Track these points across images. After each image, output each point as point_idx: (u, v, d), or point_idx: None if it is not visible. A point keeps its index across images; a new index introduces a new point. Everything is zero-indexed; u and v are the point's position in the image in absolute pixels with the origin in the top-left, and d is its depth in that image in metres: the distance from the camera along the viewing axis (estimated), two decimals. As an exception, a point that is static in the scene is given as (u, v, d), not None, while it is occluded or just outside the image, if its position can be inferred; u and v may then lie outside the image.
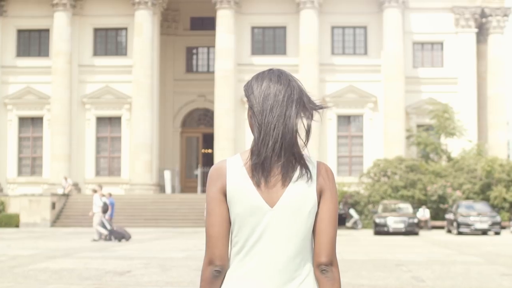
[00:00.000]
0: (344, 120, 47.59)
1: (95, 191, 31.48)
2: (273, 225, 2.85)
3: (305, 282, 2.87)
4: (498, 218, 34.96)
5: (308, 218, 2.87)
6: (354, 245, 26.83)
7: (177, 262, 18.61)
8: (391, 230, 34.96)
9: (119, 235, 29.09)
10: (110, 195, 33.80)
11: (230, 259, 2.90)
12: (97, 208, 30.28)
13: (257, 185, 2.84)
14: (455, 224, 35.33)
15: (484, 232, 35.07)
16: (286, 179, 2.85)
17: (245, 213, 2.85)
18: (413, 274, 15.83)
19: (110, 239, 29.16)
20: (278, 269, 2.84)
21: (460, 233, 34.85)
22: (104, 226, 29.57)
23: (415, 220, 35.35)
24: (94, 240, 28.97)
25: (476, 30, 48.47)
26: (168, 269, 16.82)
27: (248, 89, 2.94)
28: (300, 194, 2.86)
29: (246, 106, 3.12)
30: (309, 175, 2.87)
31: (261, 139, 2.85)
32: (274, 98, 2.86)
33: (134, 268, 17.06)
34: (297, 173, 2.87)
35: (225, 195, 2.86)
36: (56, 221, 43.20)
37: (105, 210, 30.16)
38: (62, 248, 24.12)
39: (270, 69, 2.99)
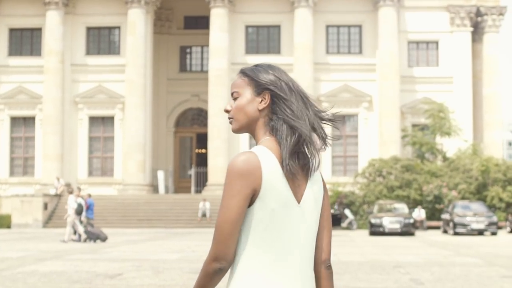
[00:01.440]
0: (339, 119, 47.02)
1: (70, 192, 31.13)
2: (300, 222, 2.84)
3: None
4: (494, 218, 34.61)
5: (319, 214, 2.91)
6: (350, 246, 26.42)
7: (169, 264, 18.16)
8: (386, 230, 34.54)
9: (94, 236, 28.64)
10: (89, 196, 33.47)
11: (249, 257, 2.79)
12: (71, 209, 29.81)
13: (290, 180, 2.79)
14: (451, 224, 34.96)
15: (480, 232, 34.70)
16: (307, 173, 2.85)
17: (278, 209, 2.77)
18: (411, 277, 15.41)
19: (79, 240, 28.83)
20: (307, 272, 2.87)
21: (456, 234, 34.46)
22: (77, 228, 29.18)
23: (411, 221, 34.96)
24: (63, 241, 28.56)
25: (471, 29, 48.16)
26: (160, 271, 16.37)
27: (276, 81, 2.88)
28: (318, 188, 2.88)
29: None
30: (318, 167, 2.88)
31: (296, 139, 2.81)
32: (302, 94, 2.90)
33: (125, 270, 16.60)
34: (313, 166, 2.85)
35: (254, 191, 2.73)
36: (48, 221, 42.75)
37: (79, 211, 29.67)
38: (52, 250, 23.65)
39: (266, 63, 2.96)
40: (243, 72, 2.93)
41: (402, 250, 23.78)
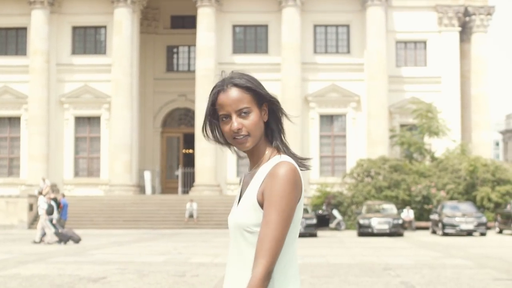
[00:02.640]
0: (327, 119, 46.86)
1: (40, 193, 30.75)
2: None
3: None
4: (483, 219, 34.30)
5: None
6: (339, 247, 26.08)
7: (155, 267, 17.75)
8: (375, 231, 34.20)
9: (65, 238, 28.18)
10: (63, 196, 33.11)
11: (293, 266, 2.85)
12: (41, 210, 29.37)
13: None
14: (440, 225, 34.64)
15: (469, 233, 34.39)
16: None
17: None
18: (402, 279, 15.07)
19: (39, 242, 28.46)
20: None
21: (445, 234, 34.16)
22: (47, 228, 28.77)
23: (400, 221, 34.62)
24: (35, 242, 28.16)
25: (459, 29, 47.94)
26: (145, 274, 15.97)
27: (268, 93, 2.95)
28: None
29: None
30: None
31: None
32: None
33: (109, 274, 16.18)
34: None
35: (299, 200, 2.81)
36: (33, 223, 42.14)
37: (49, 212, 29.22)
38: (36, 252, 23.21)
39: (246, 74, 2.95)
40: (246, 87, 2.86)
41: (391, 252, 23.45)
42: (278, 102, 2.93)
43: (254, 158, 2.94)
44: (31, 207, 42.39)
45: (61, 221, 31.91)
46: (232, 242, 2.90)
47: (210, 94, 2.97)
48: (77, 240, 28.10)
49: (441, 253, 22.77)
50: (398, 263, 18.87)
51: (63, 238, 28.21)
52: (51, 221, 29.05)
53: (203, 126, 3.03)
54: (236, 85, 2.86)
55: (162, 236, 34.28)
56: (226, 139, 2.95)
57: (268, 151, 2.90)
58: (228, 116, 2.86)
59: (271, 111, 2.92)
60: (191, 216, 41.36)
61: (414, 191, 40.48)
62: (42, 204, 29.41)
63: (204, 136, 3.03)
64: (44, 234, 28.93)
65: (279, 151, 2.91)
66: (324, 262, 18.77)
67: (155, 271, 16.59)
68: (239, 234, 2.83)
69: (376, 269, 17.30)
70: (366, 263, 18.79)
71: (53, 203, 29.91)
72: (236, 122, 2.82)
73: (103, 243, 27.85)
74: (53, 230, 28.66)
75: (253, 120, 2.83)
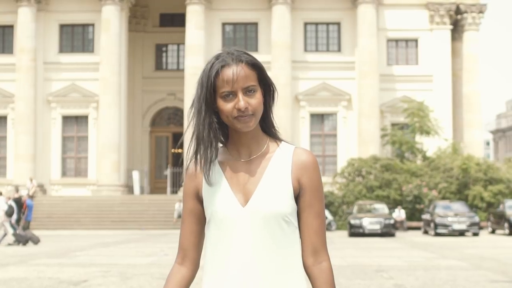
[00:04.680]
0: (317, 118, 46.24)
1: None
2: None
3: None
4: (476, 219, 33.69)
5: None
6: (329, 248, 25.35)
7: (139, 269, 17.09)
8: (366, 231, 33.57)
9: (23, 239, 27.45)
10: (29, 196, 32.47)
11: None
12: (1, 211, 28.64)
13: None
14: (432, 225, 34.04)
15: (461, 233, 33.79)
16: None
17: None
18: (395, 282, 14.45)
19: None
20: None
21: (437, 234, 33.57)
22: (6, 229, 28.09)
23: (391, 221, 33.97)
24: None
25: (451, 27, 47.39)
26: (128, 277, 15.30)
27: None
28: None
29: None
30: None
31: None
32: None
33: (91, 277, 15.51)
34: None
35: None
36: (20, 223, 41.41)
37: (9, 213, 28.49)
38: (18, 253, 22.49)
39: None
40: (253, 64, 2.63)
41: (383, 253, 22.82)
42: (275, 87, 2.73)
43: (252, 143, 2.70)
44: (17, 208, 41.59)
45: (26, 222, 31.26)
46: (256, 233, 2.60)
47: (207, 71, 2.64)
48: (36, 242, 27.41)
49: (435, 254, 22.15)
50: (391, 264, 18.25)
51: (20, 240, 27.47)
52: (10, 222, 28.30)
53: (196, 148, 2.79)
54: (242, 61, 2.61)
55: (149, 236, 33.61)
56: (219, 130, 2.73)
57: (265, 137, 2.74)
58: (232, 94, 2.59)
59: (265, 96, 2.71)
60: (179, 216, 40.66)
61: (405, 191, 39.89)
62: (2, 205, 28.68)
63: (197, 162, 2.77)
64: (5, 235, 28.24)
65: (277, 137, 2.78)
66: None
67: (139, 274, 15.93)
68: (275, 223, 2.59)
69: (368, 271, 16.69)
70: (358, 265, 18.16)
71: (13, 203, 29.20)
72: (243, 100, 2.58)
73: (88, 244, 27.14)
74: (11, 231, 27.91)
75: (258, 99, 2.62)
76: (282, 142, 2.77)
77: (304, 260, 2.63)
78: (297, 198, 2.64)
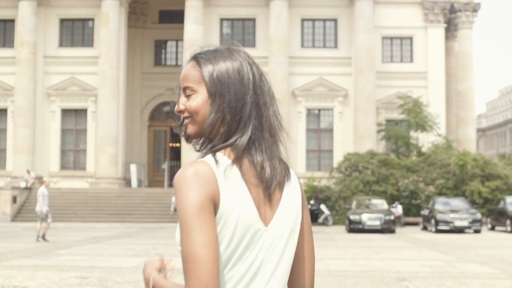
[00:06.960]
0: (314, 113, 42.76)
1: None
2: None
3: None
4: (478, 215, 30.09)
5: None
6: (332, 245, 21.85)
7: (123, 274, 13.52)
8: (366, 227, 30.00)
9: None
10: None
11: None
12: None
13: None
14: (432, 221, 30.46)
15: (461, 229, 30.18)
16: None
17: None
18: (426, 296, 10.93)
19: None
20: None
21: (438, 231, 30.03)
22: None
23: (392, 217, 30.35)
24: None
25: (445, 25, 44.06)
26: (108, 287, 11.74)
27: None
28: None
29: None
30: None
31: None
32: None
33: (65, 285, 11.95)
34: None
35: None
36: (17, 215, 38.02)
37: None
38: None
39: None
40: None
41: (392, 253, 19.21)
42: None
43: None
44: (14, 200, 38.18)
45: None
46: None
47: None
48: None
49: (450, 255, 18.56)
50: (410, 270, 14.67)
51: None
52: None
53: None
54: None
55: (146, 230, 30.18)
56: None
57: None
58: None
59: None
60: (176, 210, 37.09)
61: (401, 186, 36.42)
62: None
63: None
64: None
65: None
66: (323, 269, 14.59)
67: (121, 282, 12.35)
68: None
69: (388, 279, 13.14)
70: (373, 270, 14.60)
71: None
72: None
73: (78, 240, 23.52)
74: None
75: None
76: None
77: None
78: None
